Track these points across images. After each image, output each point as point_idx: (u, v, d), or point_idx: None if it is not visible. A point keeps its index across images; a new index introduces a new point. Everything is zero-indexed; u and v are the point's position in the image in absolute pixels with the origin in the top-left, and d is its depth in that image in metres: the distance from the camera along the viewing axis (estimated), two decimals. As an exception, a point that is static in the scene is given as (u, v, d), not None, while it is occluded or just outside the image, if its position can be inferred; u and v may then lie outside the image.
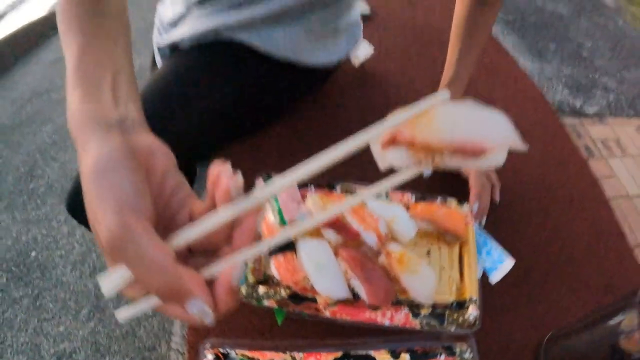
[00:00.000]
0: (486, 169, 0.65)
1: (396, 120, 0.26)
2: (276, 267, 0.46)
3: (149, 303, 0.25)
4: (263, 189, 0.25)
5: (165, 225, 0.26)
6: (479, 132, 0.28)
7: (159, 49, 0.76)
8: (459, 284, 0.51)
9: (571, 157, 0.82)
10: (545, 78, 2.85)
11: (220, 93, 0.65)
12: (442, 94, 0.28)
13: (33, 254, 1.72)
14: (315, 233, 0.48)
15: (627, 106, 2.77)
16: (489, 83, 0.92)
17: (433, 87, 0.68)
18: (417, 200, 0.54)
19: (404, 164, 0.29)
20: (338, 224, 0.46)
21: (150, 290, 0.24)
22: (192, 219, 0.26)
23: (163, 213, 0.26)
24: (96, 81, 0.32)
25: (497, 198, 0.64)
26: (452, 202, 0.55)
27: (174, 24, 0.72)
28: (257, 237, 0.25)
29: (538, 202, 0.70)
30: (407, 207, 0.51)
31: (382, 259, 0.47)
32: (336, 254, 0.46)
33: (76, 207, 0.65)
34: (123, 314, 0.26)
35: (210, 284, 0.24)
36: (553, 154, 0.81)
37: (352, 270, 0.44)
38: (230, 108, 0.67)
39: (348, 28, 0.74)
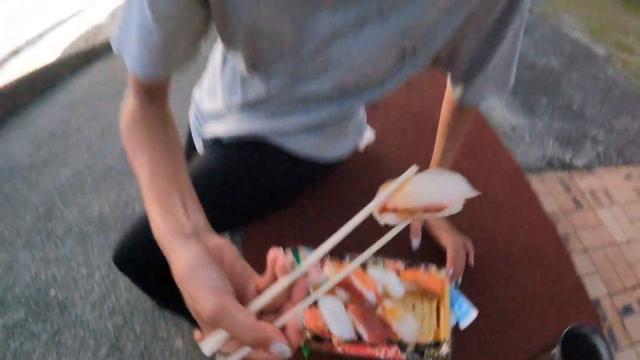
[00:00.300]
0: (457, 236, 0.83)
1: (384, 194, 0.36)
2: (304, 317, 0.64)
3: (242, 353, 0.34)
4: (306, 261, 0.35)
5: (239, 297, 0.35)
6: (439, 193, 0.36)
7: (202, 138, 0.89)
8: (436, 329, 0.69)
9: (540, 221, 0.99)
10: (536, 134, 2.92)
11: (254, 184, 0.77)
12: (412, 169, 0.36)
13: (52, 292, 1.73)
14: (331, 292, 0.65)
15: (616, 155, 2.85)
16: (470, 159, 1.10)
17: (427, 164, 0.86)
18: (406, 267, 0.73)
19: (395, 223, 0.38)
20: (347, 286, 0.64)
21: (244, 343, 0.33)
22: (257, 289, 0.36)
23: (237, 289, 0.35)
24: (170, 201, 0.42)
25: (472, 262, 0.81)
26: (433, 268, 0.74)
27: (214, 118, 0.83)
28: (307, 294, 0.35)
29: (506, 265, 0.86)
30: (398, 273, 0.70)
31: (379, 311, 0.65)
32: (346, 307, 0.64)
33: (122, 261, 0.77)
34: (208, 348, 0.35)
35: (282, 329, 0.33)
36: (523, 220, 0.97)
37: (357, 319, 0.62)
38: (261, 196, 0.80)
39: (358, 126, 0.89)
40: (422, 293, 0.71)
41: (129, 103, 0.53)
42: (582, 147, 2.87)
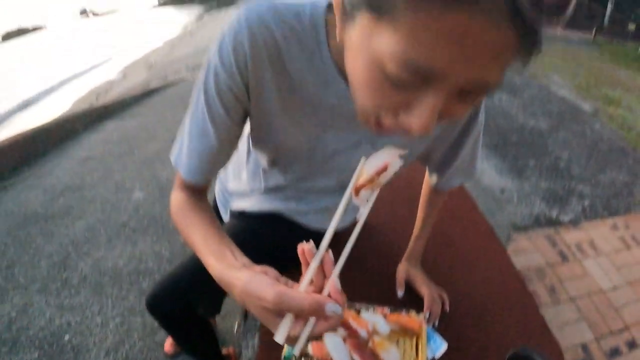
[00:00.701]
0: (434, 287, 1.02)
1: (352, 180, 0.51)
2: (312, 348, 0.81)
3: (306, 333, 0.42)
4: (321, 245, 0.47)
5: None
6: (380, 161, 0.49)
7: (230, 210, 1.03)
8: (415, 359, 0.85)
9: (510, 274, 1.15)
10: (524, 194, 3.01)
11: (272, 249, 0.86)
12: (362, 160, 0.50)
13: (66, 337, 1.78)
14: (332, 330, 0.81)
15: (601, 208, 2.92)
16: (448, 222, 1.29)
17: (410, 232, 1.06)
18: (391, 311, 0.92)
19: (368, 197, 0.52)
20: (345, 325, 0.80)
21: (304, 314, 0.42)
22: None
23: None
24: (221, 252, 0.56)
25: (447, 308, 0.99)
26: (413, 312, 0.92)
27: (239, 196, 0.98)
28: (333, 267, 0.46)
29: (476, 310, 1.03)
30: (385, 316, 0.88)
31: (370, 344, 0.82)
32: (344, 341, 0.80)
33: (154, 305, 0.90)
34: (280, 336, 0.43)
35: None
36: (493, 273, 1.14)
37: (353, 351, 0.78)
38: (277, 258, 0.88)
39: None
40: (404, 331, 0.89)
41: (177, 196, 0.70)
42: (569, 203, 2.97)
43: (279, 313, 0.43)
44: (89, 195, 2.85)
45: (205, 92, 0.61)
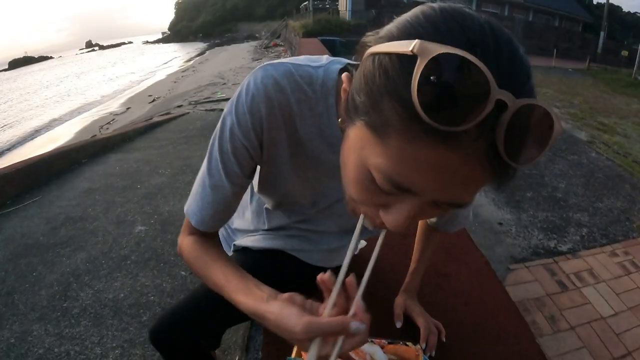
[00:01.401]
0: (430, 319, 1.04)
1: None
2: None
3: (336, 352, 0.47)
4: (340, 272, 0.51)
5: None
6: None
7: (233, 244, 1.04)
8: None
9: (505, 306, 1.16)
10: (521, 226, 3.05)
11: (275, 284, 0.92)
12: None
13: None
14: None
15: (600, 236, 2.95)
16: (444, 256, 1.32)
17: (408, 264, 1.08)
18: (389, 343, 0.93)
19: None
20: (345, 356, 0.82)
21: (334, 336, 0.47)
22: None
23: (312, 314, 0.50)
24: (247, 287, 0.60)
25: (444, 339, 1.01)
26: (410, 343, 0.93)
27: (243, 233, 1.01)
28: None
29: (470, 340, 1.04)
30: (382, 347, 0.90)
31: (368, 375, 0.83)
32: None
33: (159, 339, 0.91)
34: (312, 358, 0.47)
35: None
36: (488, 305, 1.16)
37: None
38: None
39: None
40: (402, 361, 0.90)
41: (188, 241, 0.74)
42: (566, 232, 3.00)
43: (309, 339, 0.48)
44: (90, 227, 2.87)
45: (221, 149, 0.64)
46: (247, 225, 1.00)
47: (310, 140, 0.66)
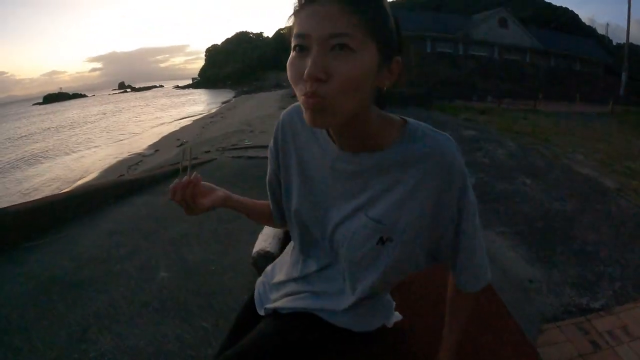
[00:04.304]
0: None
1: None
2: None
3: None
4: None
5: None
6: None
7: (265, 307, 1.04)
8: None
9: None
10: (552, 283, 2.95)
11: (303, 350, 0.91)
12: None
13: None
14: None
15: (632, 290, 2.85)
16: (477, 324, 1.26)
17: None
18: None
19: None
20: None
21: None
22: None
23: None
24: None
25: None
26: None
27: (278, 289, 1.03)
28: None
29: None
30: None
31: None
32: None
33: None
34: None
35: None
36: None
37: None
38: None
39: (385, 304, 1.08)
40: None
41: None
42: (598, 288, 2.89)
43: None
44: (114, 270, 2.84)
45: (269, 161, 0.95)
46: (281, 278, 1.04)
47: (307, 146, 0.87)
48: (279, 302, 1.00)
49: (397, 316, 1.16)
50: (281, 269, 1.08)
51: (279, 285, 1.05)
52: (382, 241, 0.80)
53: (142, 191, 5.20)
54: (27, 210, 3.51)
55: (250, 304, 1.12)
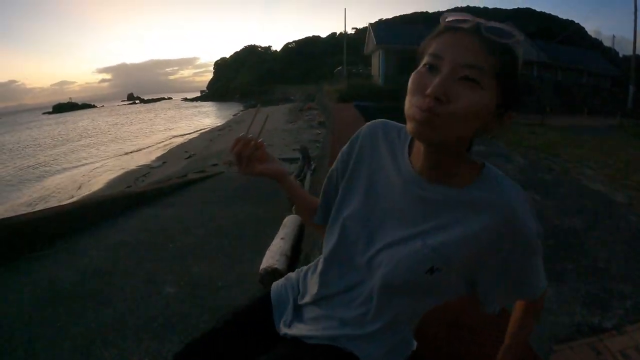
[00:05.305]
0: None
1: None
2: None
3: None
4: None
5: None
6: None
7: (286, 333, 0.96)
8: None
9: None
10: (563, 302, 2.89)
11: None
12: None
13: None
14: None
15: None
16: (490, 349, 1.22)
17: None
18: None
19: None
20: None
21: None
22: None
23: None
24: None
25: None
26: None
27: (298, 310, 1.00)
28: None
29: None
30: None
31: None
32: None
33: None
34: None
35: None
36: None
37: None
38: None
39: (404, 340, 0.97)
40: None
41: None
42: (610, 306, 2.84)
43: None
44: (119, 283, 2.81)
45: (335, 162, 0.96)
46: (308, 299, 0.99)
47: (383, 166, 0.87)
48: (300, 327, 0.96)
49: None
50: (304, 283, 1.03)
51: (302, 307, 1.01)
52: (431, 271, 0.78)
53: (150, 203, 5.20)
54: (32, 221, 3.52)
55: (264, 303, 1.06)
